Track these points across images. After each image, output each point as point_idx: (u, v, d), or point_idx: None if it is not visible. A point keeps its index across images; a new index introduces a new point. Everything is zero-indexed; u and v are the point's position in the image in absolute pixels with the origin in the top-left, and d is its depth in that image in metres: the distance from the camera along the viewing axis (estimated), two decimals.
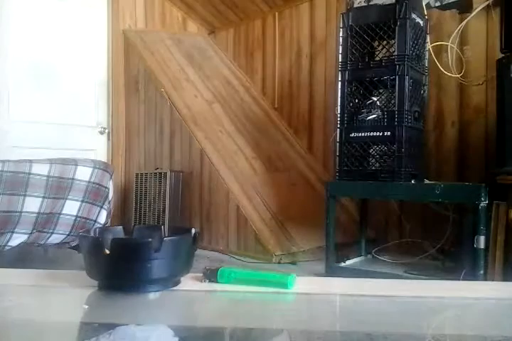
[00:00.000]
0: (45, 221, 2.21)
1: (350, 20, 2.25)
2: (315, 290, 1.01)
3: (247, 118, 3.57)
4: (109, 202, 2.38)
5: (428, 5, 2.66)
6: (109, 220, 2.45)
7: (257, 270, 1.08)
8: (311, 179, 3.31)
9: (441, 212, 2.36)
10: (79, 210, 2.29)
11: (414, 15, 2.19)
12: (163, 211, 3.24)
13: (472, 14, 2.59)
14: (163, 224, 3.20)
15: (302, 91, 3.57)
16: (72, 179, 2.26)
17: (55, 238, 2.26)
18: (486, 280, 1.84)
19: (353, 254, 2.49)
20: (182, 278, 1.01)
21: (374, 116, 2.20)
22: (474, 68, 2.59)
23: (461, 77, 2.60)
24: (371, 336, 0.77)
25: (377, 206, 2.81)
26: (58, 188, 2.22)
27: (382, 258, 2.45)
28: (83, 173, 2.30)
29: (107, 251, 0.91)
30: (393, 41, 2.18)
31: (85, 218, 2.31)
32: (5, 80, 3.44)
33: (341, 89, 2.27)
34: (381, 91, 2.24)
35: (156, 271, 0.94)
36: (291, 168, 3.34)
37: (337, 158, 2.30)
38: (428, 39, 2.39)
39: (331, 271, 2.25)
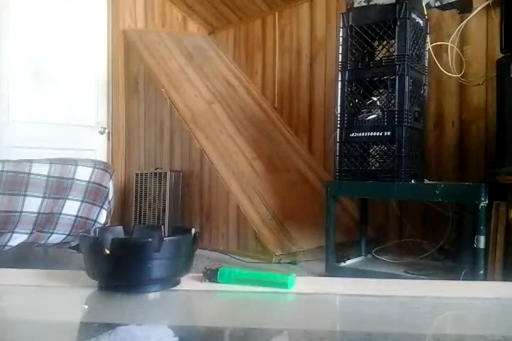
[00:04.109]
0: (45, 221, 2.20)
1: (350, 20, 2.25)
2: (315, 290, 1.01)
3: (247, 118, 3.57)
4: (109, 202, 2.38)
5: (428, 5, 2.66)
6: (109, 220, 2.45)
7: (257, 270, 1.08)
8: (311, 179, 3.31)
9: (441, 212, 2.36)
10: (79, 210, 2.29)
11: (414, 15, 2.19)
12: (163, 211, 3.24)
13: (472, 14, 2.59)
14: (163, 224, 3.20)
15: (302, 91, 3.57)
16: (72, 179, 2.26)
17: (55, 238, 2.26)
18: (485, 280, 1.84)
19: (353, 254, 2.48)
20: (182, 278, 1.01)
21: (374, 116, 2.20)
22: (474, 68, 2.59)
23: (461, 77, 2.60)
24: (371, 336, 0.77)
25: (377, 206, 2.80)
26: (58, 188, 2.22)
27: (382, 258, 2.45)
28: (83, 173, 2.30)
29: (107, 251, 0.91)
30: (393, 41, 2.18)
31: (85, 218, 2.31)
32: (5, 80, 3.44)
33: (341, 89, 2.27)
34: (381, 91, 2.23)
35: (156, 271, 0.94)
36: (291, 168, 3.34)
37: (337, 158, 2.30)
38: (428, 39, 2.39)
39: (331, 271, 2.25)
